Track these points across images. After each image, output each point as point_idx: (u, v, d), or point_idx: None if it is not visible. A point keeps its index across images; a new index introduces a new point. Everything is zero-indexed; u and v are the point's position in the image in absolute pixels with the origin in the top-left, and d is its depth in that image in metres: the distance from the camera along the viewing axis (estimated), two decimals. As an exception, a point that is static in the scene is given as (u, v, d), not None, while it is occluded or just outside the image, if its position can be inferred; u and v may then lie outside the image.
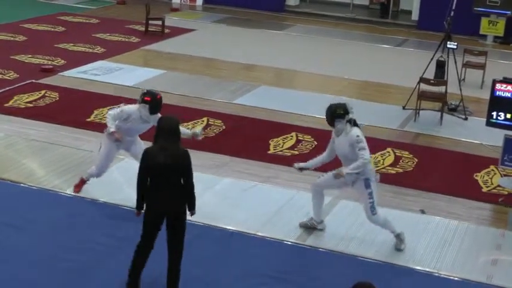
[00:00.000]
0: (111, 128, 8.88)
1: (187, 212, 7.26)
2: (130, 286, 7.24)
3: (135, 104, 8.99)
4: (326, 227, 8.94)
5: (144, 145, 8.91)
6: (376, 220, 8.50)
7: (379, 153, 11.61)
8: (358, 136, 8.24)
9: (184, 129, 8.83)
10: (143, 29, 19.56)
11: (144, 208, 7.16)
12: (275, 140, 11.91)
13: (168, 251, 7.19)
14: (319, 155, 8.79)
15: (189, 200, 7.20)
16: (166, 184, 7.02)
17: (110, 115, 8.96)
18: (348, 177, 8.35)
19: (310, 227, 8.90)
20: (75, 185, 9.50)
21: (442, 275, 8.15)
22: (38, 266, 7.76)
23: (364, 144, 8.26)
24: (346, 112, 8.32)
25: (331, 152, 8.66)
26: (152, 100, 8.77)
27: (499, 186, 10.60)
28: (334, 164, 8.73)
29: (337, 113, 8.31)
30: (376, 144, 12.00)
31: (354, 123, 8.36)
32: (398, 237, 8.64)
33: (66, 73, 15.02)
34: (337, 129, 8.38)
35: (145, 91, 8.94)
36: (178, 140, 7.07)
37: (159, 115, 8.51)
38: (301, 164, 8.83)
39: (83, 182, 9.47)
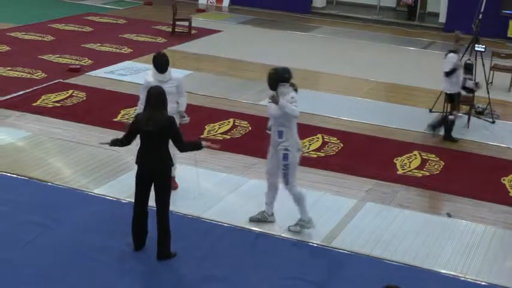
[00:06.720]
0: None
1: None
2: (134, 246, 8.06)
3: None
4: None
5: None
6: (289, 189, 8.73)
7: (406, 155, 11.55)
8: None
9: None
10: (170, 29, 19.65)
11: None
12: (301, 141, 11.84)
13: (156, 212, 7.90)
14: None
15: (188, 147, 8.15)
16: (151, 147, 7.80)
17: None
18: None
19: (262, 221, 9.00)
20: None
21: (468, 279, 8.09)
22: (64, 264, 7.81)
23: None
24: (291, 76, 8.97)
25: None
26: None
27: (526, 190, 10.51)
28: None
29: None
30: (402, 147, 11.97)
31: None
32: (300, 221, 8.81)
33: (93, 73, 15.12)
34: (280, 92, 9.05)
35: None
36: (163, 108, 7.82)
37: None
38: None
39: None
